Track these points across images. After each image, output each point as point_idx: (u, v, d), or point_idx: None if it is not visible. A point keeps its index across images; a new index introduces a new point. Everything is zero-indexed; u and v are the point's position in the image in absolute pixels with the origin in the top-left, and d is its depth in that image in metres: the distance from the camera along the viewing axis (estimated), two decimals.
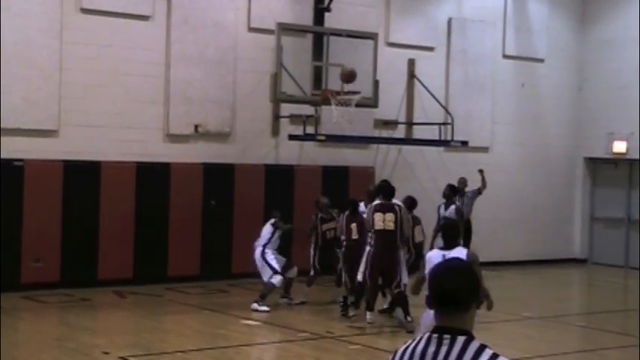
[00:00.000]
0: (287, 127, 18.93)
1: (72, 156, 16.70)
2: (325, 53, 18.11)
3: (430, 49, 21.27)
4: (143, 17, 17.59)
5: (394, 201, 14.45)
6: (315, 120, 18.34)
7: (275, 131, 19.08)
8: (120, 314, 15.12)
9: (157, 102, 17.79)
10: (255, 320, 14.39)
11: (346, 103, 17.31)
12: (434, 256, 9.15)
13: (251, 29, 18.77)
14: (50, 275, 16.42)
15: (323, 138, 18.24)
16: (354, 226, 14.70)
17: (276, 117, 19.00)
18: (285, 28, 17.94)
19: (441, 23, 21.50)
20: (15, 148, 16.09)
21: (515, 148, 22.73)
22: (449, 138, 20.13)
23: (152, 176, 17.46)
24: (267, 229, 15.45)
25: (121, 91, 17.31)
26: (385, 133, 20.48)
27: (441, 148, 21.02)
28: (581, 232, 23.84)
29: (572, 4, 23.68)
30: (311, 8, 19.25)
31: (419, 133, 20.72)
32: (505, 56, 22.63)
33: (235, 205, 18.18)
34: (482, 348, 3.58)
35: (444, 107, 20.74)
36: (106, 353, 11.72)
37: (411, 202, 15.46)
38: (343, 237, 14.72)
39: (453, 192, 17.35)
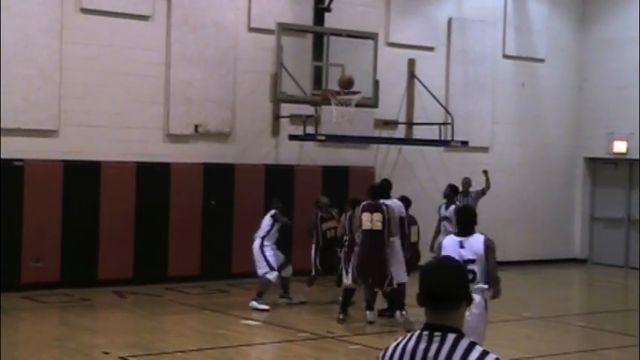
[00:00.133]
0: (287, 127, 18.93)
1: (72, 156, 16.70)
2: (325, 53, 18.12)
3: (430, 49, 21.28)
4: (143, 17, 17.59)
5: (393, 199, 14.49)
6: (315, 120, 18.34)
7: (275, 131, 19.08)
8: (120, 314, 15.13)
9: (157, 102, 17.79)
10: (256, 320, 14.40)
11: (346, 103, 17.31)
12: (449, 244, 8.95)
13: (251, 29, 18.77)
14: (50, 275, 16.42)
15: (323, 138, 18.24)
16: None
17: (276, 117, 19.00)
18: (285, 28, 17.94)
19: (441, 23, 21.50)
20: (15, 148, 16.09)
21: (515, 148, 22.73)
22: (449, 138, 20.13)
23: (152, 176, 17.46)
24: (266, 221, 15.46)
25: (121, 91, 17.31)
26: (385, 133, 20.48)
27: (441, 148, 21.02)
28: (582, 232, 23.84)
29: (572, 4, 23.68)
30: (311, 8, 19.26)
31: (419, 133, 20.73)
32: (505, 56, 22.63)
33: (235, 205, 18.18)
34: (472, 345, 3.62)
35: (444, 107, 20.74)
36: (106, 353, 11.72)
37: (406, 202, 15.46)
38: (345, 237, 14.72)
39: (454, 192, 17.35)
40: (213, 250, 17.96)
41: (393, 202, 14.69)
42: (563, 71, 23.57)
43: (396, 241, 14.41)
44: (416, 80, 20.74)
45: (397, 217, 14.50)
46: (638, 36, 21.99)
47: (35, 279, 16.21)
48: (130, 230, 17.21)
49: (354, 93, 17.37)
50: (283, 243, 17.40)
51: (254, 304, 15.11)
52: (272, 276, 15.24)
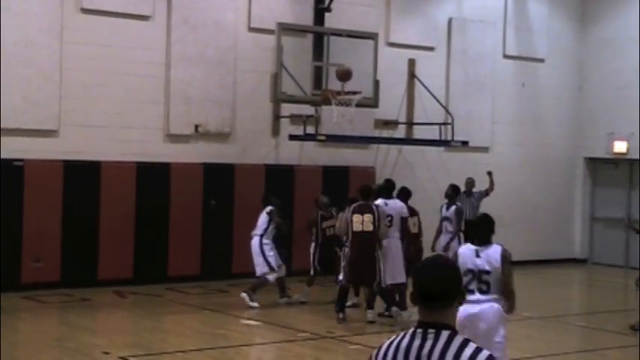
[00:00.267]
0: (287, 127, 18.93)
1: (72, 156, 16.71)
2: (325, 53, 18.13)
3: (430, 49, 21.28)
4: (143, 17, 17.59)
5: (395, 200, 14.52)
6: (316, 120, 18.34)
7: (275, 131, 19.09)
8: (120, 314, 15.13)
9: (157, 102, 17.80)
10: (256, 320, 14.41)
11: (346, 103, 17.31)
12: (466, 253, 8.57)
13: (251, 29, 18.77)
14: (50, 275, 16.42)
15: (323, 138, 18.24)
16: None
17: (277, 117, 19.00)
18: (285, 28, 17.95)
19: (442, 23, 21.50)
20: (15, 148, 16.09)
21: (515, 148, 22.73)
22: (449, 138, 20.13)
23: (152, 176, 17.46)
24: (263, 219, 15.47)
25: (121, 91, 17.31)
26: (385, 133, 20.49)
27: (442, 148, 21.02)
28: (582, 232, 23.84)
29: (572, 4, 23.68)
30: (311, 8, 19.26)
31: (419, 133, 20.73)
32: (505, 56, 22.63)
33: (235, 205, 18.18)
34: (465, 342, 3.67)
35: (444, 107, 20.74)
36: (107, 353, 11.73)
37: (406, 193, 15.48)
38: (345, 236, 14.71)
39: (456, 192, 17.35)
40: (213, 250, 17.96)
41: (395, 203, 14.71)
42: (563, 71, 23.57)
43: (395, 242, 14.43)
44: (416, 80, 20.74)
45: (398, 217, 14.53)
46: (639, 36, 21.98)
47: (35, 279, 16.21)
48: (130, 230, 17.21)
49: (355, 93, 17.36)
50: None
51: (244, 296, 15.15)
52: (272, 277, 15.29)
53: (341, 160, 19.70)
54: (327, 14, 19.23)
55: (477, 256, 8.46)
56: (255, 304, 15.19)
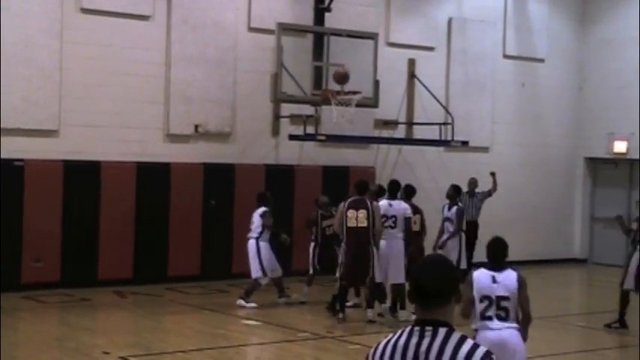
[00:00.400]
0: (287, 127, 18.93)
1: (72, 156, 16.71)
2: (325, 53, 18.13)
3: (430, 49, 21.28)
4: (143, 17, 17.59)
5: (400, 201, 14.57)
6: (316, 120, 18.34)
7: (275, 131, 19.09)
8: (120, 314, 15.13)
9: (157, 102, 17.80)
10: (255, 320, 14.40)
11: (346, 103, 17.32)
12: (483, 279, 8.28)
13: (251, 29, 18.77)
14: (50, 275, 16.42)
15: (323, 138, 18.25)
16: None
17: (277, 117, 19.01)
18: (285, 28, 17.95)
19: (441, 23, 21.51)
20: (15, 148, 16.09)
21: (515, 148, 22.74)
22: (449, 138, 20.14)
23: (152, 176, 17.46)
24: (257, 221, 15.46)
25: (121, 91, 17.31)
26: (385, 133, 20.49)
27: (441, 148, 21.03)
28: (582, 232, 23.84)
29: (572, 4, 23.69)
30: (311, 8, 19.26)
31: (419, 133, 20.73)
32: (505, 56, 22.64)
33: (235, 205, 18.17)
34: (463, 339, 3.70)
35: (444, 107, 20.74)
36: (107, 353, 11.73)
37: (410, 191, 15.50)
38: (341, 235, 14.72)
39: (457, 192, 17.34)
40: (213, 250, 17.96)
41: (399, 204, 14.73)
42: (563, 71, 23.58)
43: (398, 242, 14.45)
44: (416, 80, 20.74)
45: (402, 218, 14.54)
46: (639, 36, 21.98)
47: (35, 279, 16.21)
48: (130, 230, 17.21)
49: (354, 93, 17.37)
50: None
51: (241, 302, 15.21)
52: (264, 281, 15.39)
53: (341, 160, 19.70)
54: (327, 14, 19.24)
55: (494, 282, 8.23)
56: (253, 304, 15.20)
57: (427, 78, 20.57)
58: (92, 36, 17.02)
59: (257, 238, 15.38)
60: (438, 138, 20.23)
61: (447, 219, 16.70)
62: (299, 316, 15.07)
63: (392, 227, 14.46)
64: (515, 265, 8.85)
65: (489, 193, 19.11)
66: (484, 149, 22.09)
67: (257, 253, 15.32)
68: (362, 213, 13.98)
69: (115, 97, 17.25)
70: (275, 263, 15.52)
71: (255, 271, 15.33)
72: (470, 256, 16.82)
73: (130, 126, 17.45)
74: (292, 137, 18.48)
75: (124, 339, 13.06)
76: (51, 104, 16.59)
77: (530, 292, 8.72)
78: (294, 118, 18.69)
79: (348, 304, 14.78)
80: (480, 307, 8.14)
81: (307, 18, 19.15)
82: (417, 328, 3.75)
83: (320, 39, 18.39)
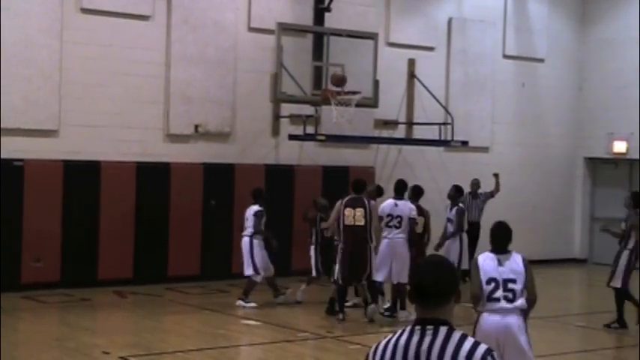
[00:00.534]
0: (287, 127, 18.93)
1: (72, 156, 16.71)
2: (325, 53, 18.14)
3: (430, 49, 21.28)
4: (143, 17, 17.59)
5: (405, 201, 14.59)
6: (315, 120, 18.35)
7: (275, 131, 19.09)
8: (120, 314, 15.13)
9: (157, 102, 17.80)
10: (255, 320, 14.40)
11: (346, 103, 17.34)
12: (487, 262, 8.34)
13: (251, 29, 18.77)
14: (50, 275, 16.42)
15: (323, 138, 18.25)
16: None
17: (276, 117, 19.01)
18: (285, 28, 17.96)
19: (441, 23, 21.51)
20: (15, 148, 16.09)
21: (515, 148, 22.74)
22: (449, 138, 20.14)
23: (152, 176, 17.46)
24: (250, 219, 15.44)
25: (121, 91, 17.31)
26: (385, 133, 20.49)
27: (441, 148, 21.03)
28: (581, 232, 23.85)
29: (572, 4, 23.69)
30: (311, 8, 19.26)
31: (419, 133, 20.73)
32: (505, 56, 22.64)
33: (235, 205, 18.16)
34: (464, 337, 3.74)
35: (444, 107, 20.75)
36: (107, 353, 11.72)
37: (417, 192, 15.51)
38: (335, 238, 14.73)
39: (459, 193, 17.34)
40: (213, 250, 17.96)
41: (405, 204, 14.74)
42: (563, 71, 23.58)
43: (402, 243, 14.46)
44: (416, 80, 20.74)
45: (407, 218, 14.55)
46: (639, 36, 21.98)
47: (35, 279, 16.21)
48: (130, 230, 17.21)
49: (354, 93, 17.39)
50: (284, 244, 17.44)
51: (240, 303, 15.21)
52: (258, 278, 15.38)
53: (341, 160, 19.70)
54: (326, 14, 19.24)
55: (500, 264, 8.29)
56: (253, 304, 15.22)
57: (427, 78, 20.57)
58: (92, 36, 17.02)
59: (251, 236, 15.38)
60: (437, 138, 20.23)
61: (448, 220, 16.71)
62: (299, 316, 15.08)
63: (396, 227, 14.47)
64: None
65: (492, 194, 19.12)
66: (484, 149, 22.09)
67: (250, 251, 15.33)
68: (359, 211, 14.01)
69: (114, 97, 17.25)
70: (268, 262, 15.51)
71: (248, 269, 15.35)
72: (472, 257, 16.79)
73: (130, 126, 17.45)
74: (292, 137, 18.48)
75: (124, 339, 13.06)
76: (51, 104, 16.59)
77: None
78: (294, 118, 18.70)
79: (347, 303, 14.78)
80: (486, 289, 8.21)
81: (307, 18, 19.15)
82: (417, 327, 3.78)
83: (320, 39, 18.40)
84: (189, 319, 14.69)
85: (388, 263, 14.43)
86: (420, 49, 21.05)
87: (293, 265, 17.69)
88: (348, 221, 14.01)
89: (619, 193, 23.15)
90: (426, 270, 3.86)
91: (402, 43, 20.75)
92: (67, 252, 16.59)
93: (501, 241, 8.48)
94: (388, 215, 14.49)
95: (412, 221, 14.61)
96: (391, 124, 20.56)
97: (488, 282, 8.22)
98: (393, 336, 3.83)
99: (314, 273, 15.67)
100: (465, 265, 15.49)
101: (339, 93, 17.26)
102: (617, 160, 23.20)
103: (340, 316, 14.24)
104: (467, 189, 18.80)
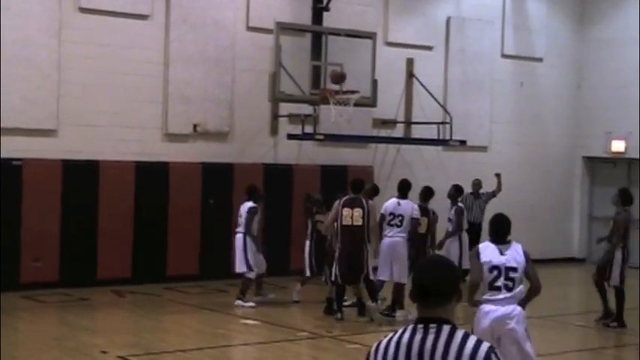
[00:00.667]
0: (286, 127, 18.93)
1: (71, 155, 16.70)
2: (324, 53, 18.15)
3: (429, 48, 21.29)
4: (142, 16, 17.59)
5: (407, 201, 14.59)
6: (314, 119, 18.35)
7: (274, 130, 19.09)
8: (119, 314, 15.14)
9: (156, 101, 17.79)
10: (254, 320, 14.40)
11: (345, 103, 17.34)
12: (490, 252, 8.43)
13: (250, 28, 18.77)
14: (49, 275, 16.42)
15: (321, 137, 18.25)
16: None
17: (275, 116, 19.01)
18: (283, 28, 17.96)
19: (440, 22, 21.51)
20: (14, 148, 16.08)
21: (513, 148, 22.74)
22: (447, 137, 20.14)
23: (151, 176, 17.46)
24: (244, 215, 15.44)
25: (119, 91, 17.31)
26: (384, 133, 20.49)
27: (440, 148, 21.03)
28: (580, 231, 23.86)
29: (571, 4, 23.70)
30: (309, 8, 19.26)
31: (417, 132, 20.74)
32: (504, 55, 22.64)
33: (234, 205, 18.13)
34: (467, 335, 3.77)
35: (442, 106, 20.75)
36: (105, 352, 11.73)
37: (426, 193, 15.56)
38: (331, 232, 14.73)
39: (459, 192, 17.35)
40: (212, 250, 17.95)
41: (407, 204, 14.76)
42: (561, 70, 23.59)
43: (402, 242, 14.48)
44: (414, 79, 20.74)
45: (409, 218, 14.57)
46: (638, 35, 21.99)
47: (34, 278, 16.20)
48: (128, 230, 17.21)
49: (353, 92, 17.39)
50: (282, 244, 17.46)
51: (239, 303, 15.21)
52: (251, 275, 15.37)
53: (339, 160, 19.70)
54: (325, 14, 19.23)
55: (502, 253, 8.41)
56: (251, 304, 15.21)
57: (425, 77, 20.57)
58: (91, 35, 17.01)
59: (244, 233, 15.38)
60: (436, 137, 20.23)
61: (449, 219, 16.74)
62: (297, 315, 15.09)
63: (397, 226, 14.52)
64: None
65: (494, 194, 19.12)
66: (482, 148, 22.10)
67: (243, 247, 15.32)
68: (357, 212, 14.02)
69: (113, 97, 17.25)
70: (261, 260, 15.50)
71: (241, 266, 15.33)
72: None
73: (129, 125, 17.44)
74: (290, 136, 18.49)
75: (124, 338, 13.06)
76: (50, 104, 16.59)
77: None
78: (293, 118, 18.70)
79: (346, 303, 14.78)
80: (488, 277, 8.29)
81: (305, 17, 19.15)
82: (420, 326, 3.79)
83: (318, 38, 18.40)
84: (188, 319, 14.69)
85: (389, 262, 14.46)
86: (419, 48, 21.05)
87: (291, 264, 17.69)
88: (346, 221, 14.03)
89: None
90: (427, 269, 3.89)
91: (400, 42, 20.75)
92: (65, 251, 16.58)
93: (501, 232, 8.62)
94: (390, 214, 14.56)
95: (414, 221, 14.64)
96: (390, 123, 20.56)
97: (491, 270, 8.31)
98: (394, 334, 3.84)
99: (307, 272, 15.64)
100: (465, 265, 15.47)
101: (337, 92, 17.26)
102: (616, 160, 23.22)
103: (338, 315, 14.25)
104: (467, 189, 18.80)
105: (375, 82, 18.57)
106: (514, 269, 8.37)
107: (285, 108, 18.75)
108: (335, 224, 14.22)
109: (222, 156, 18.40)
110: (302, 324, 14.23)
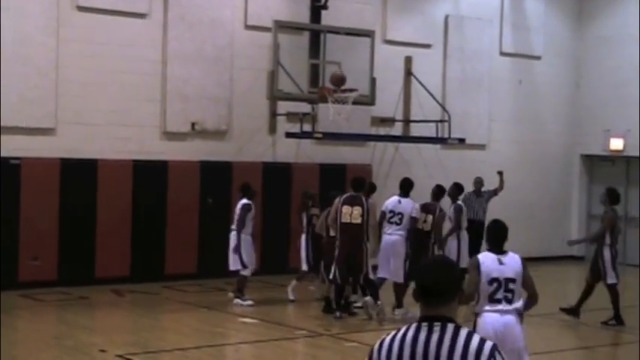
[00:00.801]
0: (284, 125, 18.93)
1: (69, 154, 16.70)
2: (322, 51, 18.13)
3: (427, 46, 21.28)
4: (140, 15, 17.58)
5: (408, 199, 14.57)
6: (312, 117, 18.34)
7: (272, 129, 19.08)
8: (118, 312, 15.14)
9: (154, 100, 17.79)
10: (253, 318, 14.40)
11: (343, 101, 17.33)
12: (489, 262, 8.26)
13: (248, 27, 18.76)
14: (48, 273, 16.41)
15: (320, 135, 18.25)
16: None
17: (273, 114, 19.00)
18: (281, 26, 17.95)
19: (438, 20, 21.50)
20: (12, 147, 16.07)
21: (512, 146, 22.74)
22: (446, 135, 20.14)
23: (149, 174, 17.45)
24: (238, 213, 15.44)
25: (117, 89, 17.30)
26: (382, 131, 20.48)
27: (438, 146, 21.02)
28: (578, 230, 23.85)
29: (569, 2, 23.70)
30: (308, 6, 19.26)
31: (416, 130, 20.73)
32: (502, 53, 22.64)
33: (232, 203, 18.11)
34: (471, 333, 3.81)
35: (440, 105, 20.74)
36: (104, 351, 11.73)
37: (437, 192, 15.58)
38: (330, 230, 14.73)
39: (459, 190, 17.35)
40: (210, 248, 17.92)
41: (407, 202, 14.76)
42: (560, 68, 23.59)
43: (401, 241, 14.48)
44: (413, 78, 20.73)
45: (408, 216, 14.58)
46: (638, 34, 21.99)
47: (33, 277, 16.20)
48: (127, 228, 17.20)
49: (351, 90, 17.38)
50: (282, 244, 17.45)
51: (238, 301, 15.21)
52: (246, 272, 15.35)
53: (338, 158, 19.70)
54: (323, 12, 19.22)
55: (501, 263, 8.24)
56: (249, 302, 15.20)
57: (424, 75, 20.57)
58: (88, 34, 17.00)
59: (239, 231, 15.37)
60: (434, 135, 20.22)
61: (448, 218, 16.73)
62: (296, 313, 15.10)
63: (397, 224, 14.55)
64: None
65: (495, 192, 19.08)
66: (481, 147, 22.10)
67: (237, 245, 15.32)
68: (357, 210, 14.01)
69: (111, 95, 17.24)
70: (252, 259, 15.49)
71: (234, 264, 15.33)
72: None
73: (127, 124, 17.43)
74: (289, 135, 18.48)
75: (122, 337, 13.06)
76: (47, 102, 16.58)
77: None
78: (291, 116, 18.69)
79: (356, 304, 14.75)
80: (488, 289, 8.16)
81: (304, 15, 19.15)
82: (424, 324, 3.82)
83: (316, 37, 18.39)
84: (186, 317, 14.69)
85: (388, 260, 14.49)
86: (417, 46, 21.05)
87: (290, 263, 17.67)
88: (345, 219, 14.02)
89: None
90: (429, 270, 3.92)
91: (398, 40, 20.75)
92: (64, 250, 16.58)
93: (499, 240, 8.44)
94: (390, 212, 14.63)
95: (413, 220, 14.64)
96: (388, 121, 20.55)
97: (491, 282, 8.17)
98: (397, 332, 3.85)
99: (304, 267, 15.64)
100: (464, 264, 15.44)
101: (335, 91, 17.26)
102: (614, 157, 23.22)
103: (337, 314, 14.25)
104: (467, 187, 18.77)
105: (373, 81, 18.57)
106: (513, 280, 8.22)
107: (284, 106, 18.75)
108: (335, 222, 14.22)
109: (221, 154, 18.39)
110: (300, 322, 14.22)
